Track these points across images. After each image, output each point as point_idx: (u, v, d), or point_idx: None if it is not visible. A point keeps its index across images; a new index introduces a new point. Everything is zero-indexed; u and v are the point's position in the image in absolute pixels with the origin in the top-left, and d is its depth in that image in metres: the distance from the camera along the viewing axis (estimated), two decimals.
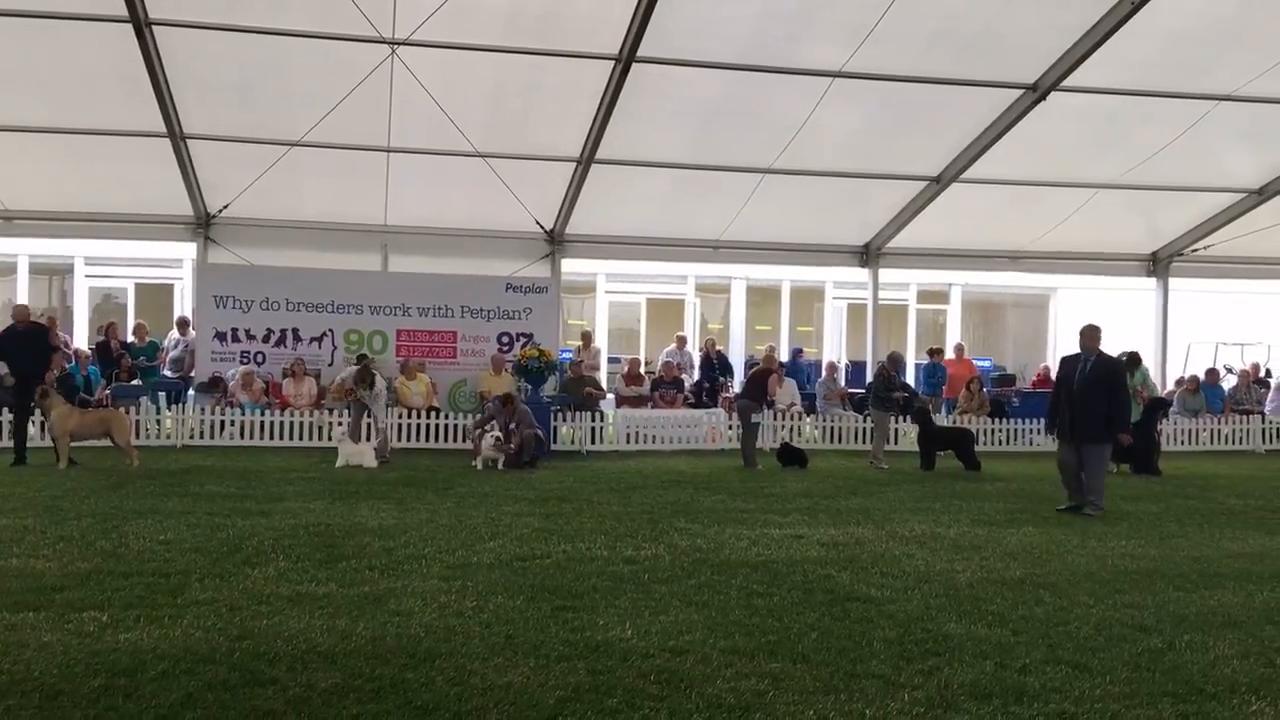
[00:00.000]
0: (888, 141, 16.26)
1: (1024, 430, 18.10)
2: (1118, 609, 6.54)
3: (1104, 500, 10.87)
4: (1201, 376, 19.90)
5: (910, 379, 19.85)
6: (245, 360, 16.84)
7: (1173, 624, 6.20)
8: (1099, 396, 10.88)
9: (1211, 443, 18.79)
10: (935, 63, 14.16)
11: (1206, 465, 16.18)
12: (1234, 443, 18.84)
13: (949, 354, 20.79)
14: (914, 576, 7.35)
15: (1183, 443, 18.46)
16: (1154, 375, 18.19)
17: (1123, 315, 21.80)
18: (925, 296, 24.10)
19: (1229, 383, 20.81)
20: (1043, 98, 14.75)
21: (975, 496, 11.84)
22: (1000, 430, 18.04)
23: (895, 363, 16.09)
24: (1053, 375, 21.06)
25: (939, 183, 17.34)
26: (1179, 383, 19.93)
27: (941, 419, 17.54)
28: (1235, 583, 7.40)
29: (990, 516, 10.33)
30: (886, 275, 20.11)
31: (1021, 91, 14.90)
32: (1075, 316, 23.37)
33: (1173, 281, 20.69)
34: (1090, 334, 11.21)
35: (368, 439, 14.44)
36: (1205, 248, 19.88)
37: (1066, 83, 14.47)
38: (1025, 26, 13.52)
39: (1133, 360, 16.67)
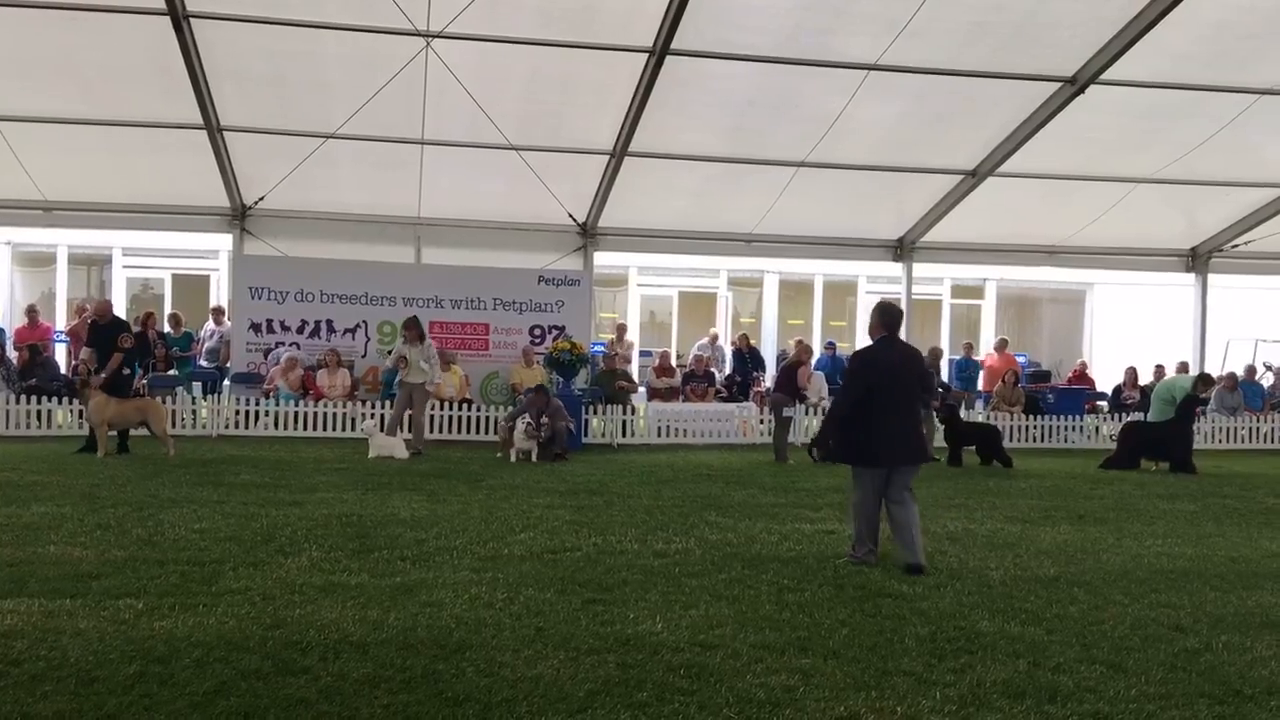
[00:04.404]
0: (923, 135, 16.14)
1: (1058, 427, 17.96)
2: (1153, 609, 6.46)
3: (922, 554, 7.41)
4: (1240, 374, 19.64)
5: (944, 375, 19.73)
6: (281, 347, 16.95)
7: (1210, 624, 6.12)
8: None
9: (1250, 441, 18.56)
10: (972, 55, 14.03)
11: (1245, 464, 15.96)
12: (1273, 441, 18.60)
13: (989, 350, 20.72)
14: (946, 573, 7.30)
15: (1221, 441, 18.26)
16: (1192, 371, 17.96)
17: (1161, 311, 21.62)
18: (960, 291, 23.92)
19: (1268, 380, 20.51)
20: (1081, 91, 14.60)
21: (1008, 494, 11.73)
22: (1034, 427, 17.89)
23: (935, 357, 15.92)
24: (1089, 372, 21.01)
25: (975, 176, 17.20)
26: (1217, 379, 19.66)
27: (977, 413, 17.40)
28: (1274, 583, 7.29)
29: (1023, 514, 10.22)
30: (920, 270, 20.02)
31: (1060, 84, 14.74)
32: (1112, 312, 23.28)
33: (1212, 278, 20.46)
34: (880, 313, 7.75)
35: (406, 431, 14.44)
36: (1245, 243, 19.62)
37: (1106, 76, 14.31)
38: (1064, 18, 13.36)
39: (1205, 383, 16.15)
